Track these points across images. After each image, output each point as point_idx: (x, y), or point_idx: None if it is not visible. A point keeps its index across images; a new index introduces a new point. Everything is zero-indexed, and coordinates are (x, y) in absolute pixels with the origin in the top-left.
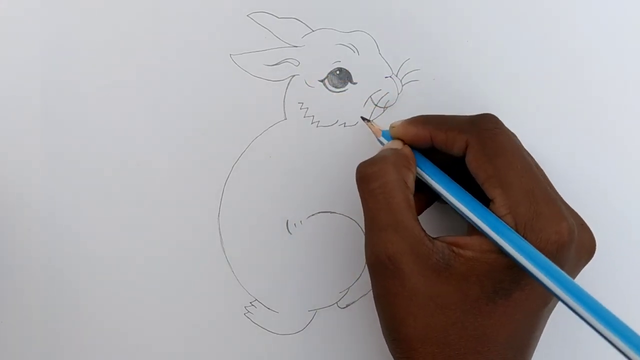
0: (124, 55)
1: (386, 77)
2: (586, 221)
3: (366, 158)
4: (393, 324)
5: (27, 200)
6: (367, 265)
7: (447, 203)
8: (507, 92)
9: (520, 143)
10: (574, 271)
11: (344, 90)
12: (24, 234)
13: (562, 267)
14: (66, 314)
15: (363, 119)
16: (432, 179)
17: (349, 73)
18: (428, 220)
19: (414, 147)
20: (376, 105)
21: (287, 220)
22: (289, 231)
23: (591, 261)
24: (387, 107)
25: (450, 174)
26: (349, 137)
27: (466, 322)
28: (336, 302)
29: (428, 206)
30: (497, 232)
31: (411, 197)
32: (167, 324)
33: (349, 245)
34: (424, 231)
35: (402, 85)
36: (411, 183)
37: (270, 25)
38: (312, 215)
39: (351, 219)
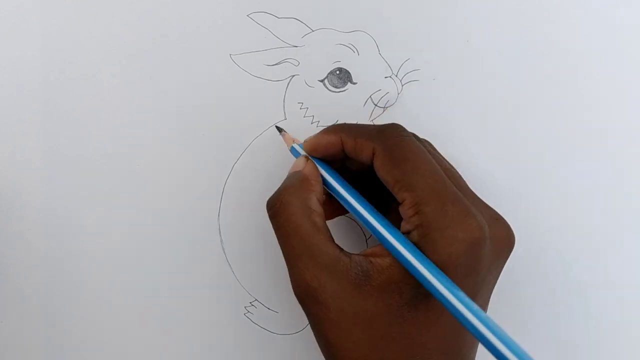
0: (125, 56)
1: (386, 77)
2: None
3: None
4: (328, 350)
5: (27, 200)
6: (296, 297)
7: None
8: (507, 92)
9: (430, 149)
10: (494, 266)
11: (344, 90)
12: (24, 234)
13: (477, 265)
14: (66, 314)
15: (278, 128)
16: (335, 193)
17: (349, 73)
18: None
19: (327, 157)
20: (376, 105)
21: None
22: None
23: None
24: (387, 107)
25: (364, 184)
26: None
27: (393, 333)
28: None
29: (343, 212)
30: (392, 249)
31: (318, 219)
32: (167, 324)
33: (349, 245)
34: (340, 249)
35: (402, 85)
36: (315, 205)
37: (270, 25)
38: None
39: (351, 219)
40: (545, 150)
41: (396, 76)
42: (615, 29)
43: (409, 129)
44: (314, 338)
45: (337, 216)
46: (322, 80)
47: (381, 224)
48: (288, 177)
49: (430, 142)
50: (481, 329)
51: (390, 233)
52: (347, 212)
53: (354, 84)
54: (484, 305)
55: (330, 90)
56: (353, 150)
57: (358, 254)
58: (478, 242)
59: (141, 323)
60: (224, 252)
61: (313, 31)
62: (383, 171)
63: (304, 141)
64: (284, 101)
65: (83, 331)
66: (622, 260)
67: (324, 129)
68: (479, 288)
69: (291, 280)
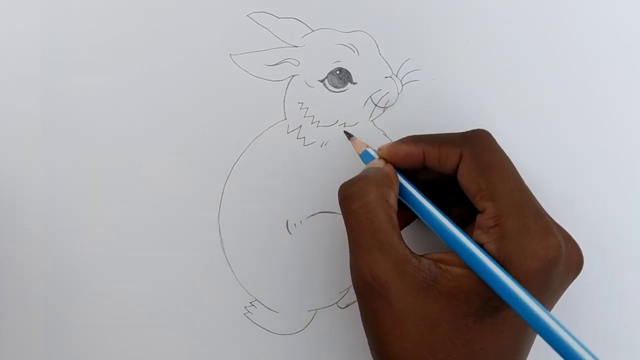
0: (125, 56)
1: (386, 77)
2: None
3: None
4: (381, 346)
5: (27, 200)
6: (354, 287)
7: None
8: (507, 92)
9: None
10: (562, 286)
11: (344, 90)
12: (24, 234)
13: (550, 283)
14: (66, 314)
15: (346, 134)
16: (410, 200)
17: (349, 73)
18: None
19: (403, 168)
20: (376, 105)
21: (287, 221)
22: (289, 231)
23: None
24: (387, 107)
25: (433, 196)
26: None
27: (455, 340)
28: (336, 302)
29: (411, 221)
30: (471, 260)
31: (394, 215)
32: (167, 324)
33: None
34: (409, 249)
35: (402, 85)
36: (393, 201)
37: (270, 25)
38: (312, 215)
39: None
40: (546, 148)
41: (396, 76)
42: (615, 28)
43: (409, 129)
44: (314, 338)
45: (402, 228)
46: (322, 80)
47: (461, 234)
48: (365, 170)
49: None
50: (569, 343)
51: (472, 244)
52: (409, 224)
53: (354, 84)
54: None
55: (330, 90)
56: (436, 160)
57: (427, 257)
58: (555, 261)
59: (141, 323)
60: (224, 252)
61: (313, 31)
62: (467, 179)
63: (379, 148)
64: (284, 101)
65: (82, 331)
66: None
67: (403, 138)
68: (545, 306)
69: (354, 270)
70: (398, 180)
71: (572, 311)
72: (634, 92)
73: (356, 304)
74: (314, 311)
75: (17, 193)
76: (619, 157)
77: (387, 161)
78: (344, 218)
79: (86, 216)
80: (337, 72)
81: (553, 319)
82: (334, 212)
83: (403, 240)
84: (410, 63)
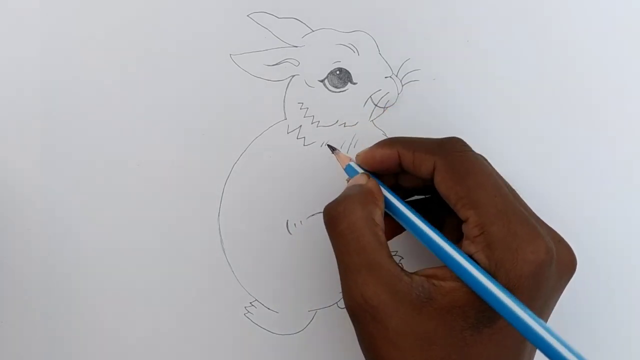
0: (125, 56)
1: (386, 77)
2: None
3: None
4: None
5: (27, 200)
6: (347, 311)
7: None
8: (506, 92)
9: (491, 165)
10: (556, 290)
11: (344, 90)
12: (24, 234)
13: (543, 287)
14: (66, 314)
15: (330, 147)
16: (397, 214)
17: (349, 73)
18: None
19: (381, 172)
20: (376, 105)
21: (287, 221)
22: (289, 231)
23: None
24: (387, 107)
25: (428, 206)
26: (349, 137)
27: (453, 356)
28: (336, 302)
29: (400, 232)
30: (461, 271)
31: (381, 234)
32: (167, 324)
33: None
34: (400, 267)
35: (402, 85)
36: (379, 219)
37: (270, 25)
38: (312, 215)
39: None
40: (546, 149)
41: (396, 76)
42: (615, 27)
43: (409, 129)
44: (314, 338)
45: (391, 238)
46: (322, 80)
47: (449, 246)
48: (349, 188)
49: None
50: (563, 352)
51: (460, 256)
52: (400, 234)
53: (354, 84)
54: None
55: (330, 90)
56: (411, 164)
57: (419, 274)
58: (546, 264)
59: (141, 323)
60: (224, 252)
61: (313, 31)
62: (445, 187)
63: (357, 155)
64: (284, 101)
65: (83, 331)
66: None
67: (378, 142)
68: (540, 311)
69: (345, 293)
70: (383, 196)
71: (568, 315)
72: (633, 94)
73: None
74: (314, 311)
75: (17, 193)
76: (621, 158)
77: (369, 175)
78: (331, 240)
79: (86, 216)
80: (337, 72)
81: (544, 327)
82: None
83: (393, 259)
84: (410, 63)
